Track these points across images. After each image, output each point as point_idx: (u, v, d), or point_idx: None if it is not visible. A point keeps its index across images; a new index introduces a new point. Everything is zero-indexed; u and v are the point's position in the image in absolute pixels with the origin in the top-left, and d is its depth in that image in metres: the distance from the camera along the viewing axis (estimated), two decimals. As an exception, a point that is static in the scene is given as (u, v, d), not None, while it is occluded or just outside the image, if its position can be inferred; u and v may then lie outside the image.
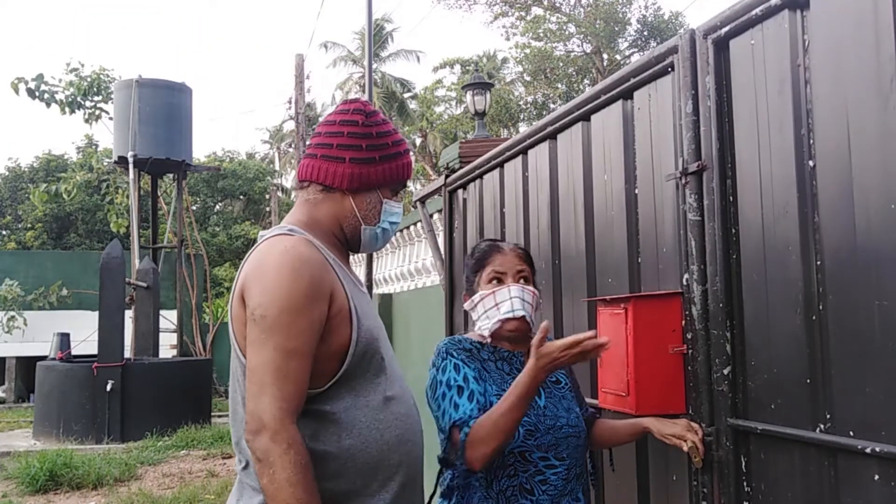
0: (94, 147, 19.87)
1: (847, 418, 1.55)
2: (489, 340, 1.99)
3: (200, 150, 30.64)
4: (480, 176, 3.68)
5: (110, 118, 12.68)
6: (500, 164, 3.41)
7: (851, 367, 1.54)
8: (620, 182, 2.40)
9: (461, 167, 4.15)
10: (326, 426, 1.61)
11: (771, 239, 1.77)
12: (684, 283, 2.03)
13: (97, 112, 13.42)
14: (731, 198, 1.91)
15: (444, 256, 4.31)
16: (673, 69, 2.10)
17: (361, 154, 1.74)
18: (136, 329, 11.15)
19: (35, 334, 14.17)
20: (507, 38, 30.66)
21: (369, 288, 6.72)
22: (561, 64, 26.01)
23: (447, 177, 4.23)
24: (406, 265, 6.35)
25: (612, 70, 22.40)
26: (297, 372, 1.54)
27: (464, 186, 3.97)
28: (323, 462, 1.59)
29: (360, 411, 1.63)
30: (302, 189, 1.80)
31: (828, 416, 1.61)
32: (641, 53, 21.92)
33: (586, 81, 25.94)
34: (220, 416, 11.00)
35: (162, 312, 11.85)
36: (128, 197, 12.90)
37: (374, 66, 23.18)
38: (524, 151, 3.15)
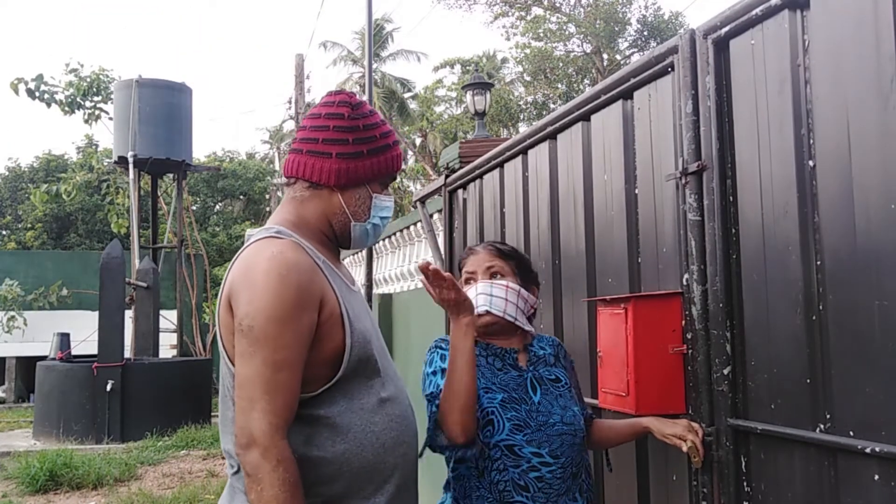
0: (94, 147, 19.87)
1: (847, 418, 1.55)
2: (479, 338, 1.98)
3: (200, 150, 30.65)
4: (480, 176, 3.68)
5: (110, 118, 12.69)
6: (500, 164, 3.41)
7: (851, 367, 1.54)
8: (620, 182, 2.40)
9: (461, 167, 4.15)
10: (320, 431, 1.58)
11: (771, 239, 1.77)
12: (684, 283, 2.03)
13: (97, 112, 13.43)
14: (731, 198, 1.91)
15: (444, 256, 4.31)
16: (673, 69, 2.10)
17: (348, 148, 1.68)
18: (136, 329, 11.15)
19: (35, 334, 14.17)
20: (507, 38, 30.69)
21: (369, 288, 6.71)
22: (561, 64, 26.01)
23: (447, 177, 4.23)
24: (406, 265, 6.35)
25: (612, 70, 22.40)
26: (286, 384, 1.50)
27: (464, 186, 3.97)
28: (317, 467, 1.56)
29: (355, 415, 1.60)
30: (289, 186, 1.74)
31: (828, 416, 1.61)
32: (641, 53, 21.93)
33: (586, 81, 25.94)
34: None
35: (162, 312, 11.85)
36: (128, 197, 12.90)
37: (375, 65, 23.17)
38: (524, 151, 3.15)
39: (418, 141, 29.42)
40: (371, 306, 6.41)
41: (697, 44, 2.00)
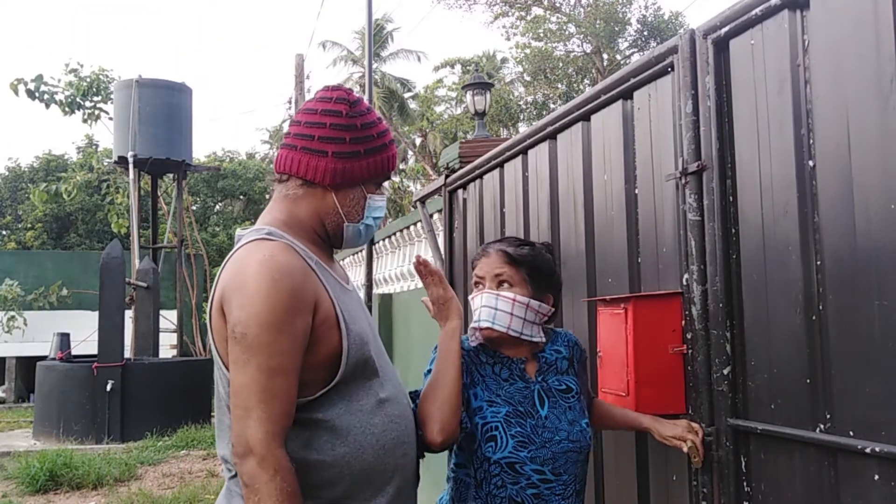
0: (94, 147, 19.88)
1: (847, 418, 1.55)
2: (486, 344, 1.94)
3: (200, 150, 30.65)
4: (480, 176, 3.68)
5: (110, 118, 12.69)
6: (500, 164, 3.41)
7: (851, 367, 1.54)
8: (620, 182, 2.40)
9: (461, 167, 4.15)
10: (319, 434, 1.55)
11: (771, 239, 1.77)
12: (684, 283, 2.03)
13: (97, 112, 13.43)
14: (731, 198, 1.91)
15: (444, 256, 4.31)
16: (673, 69, 2.10)
17: (345, 148, 1.63)
18: (136, 329, 11.15)
19: (35, 334, 14.18)
20: (508, 39, 30.71)
21: (369, 288, 6.70)
22: (561, 64, 26.01)
23: (447, 177, 4.23)
24: (406, 265, 6.35)
25: (612, 70, 22.40)
26: (282, 390, 1.47)
27: (464, 186, 3.97)
28: (317, 471, 1.54)
29: (354, 417, 1.58)
30: (280, 182, 1.69)
31: (828, 416, 1.61)
32: (641, 53, 21.92)
33: (586, 81, 25.94)
34: (220, 416, 10.98)
35: (162, 312, 11.85)
36: (128, 197, 12.90)
37: (375, 65, 23.17)
38: (524, 151, 3.15)
39: (418, 141, 29.42)
40: (371, 306, 6.42)
41: (697, 44, 2.00)
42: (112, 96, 12.59)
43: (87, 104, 13.34)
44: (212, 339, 1.60)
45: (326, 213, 1.67)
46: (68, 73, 13.31)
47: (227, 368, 1.55)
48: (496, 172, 3.48)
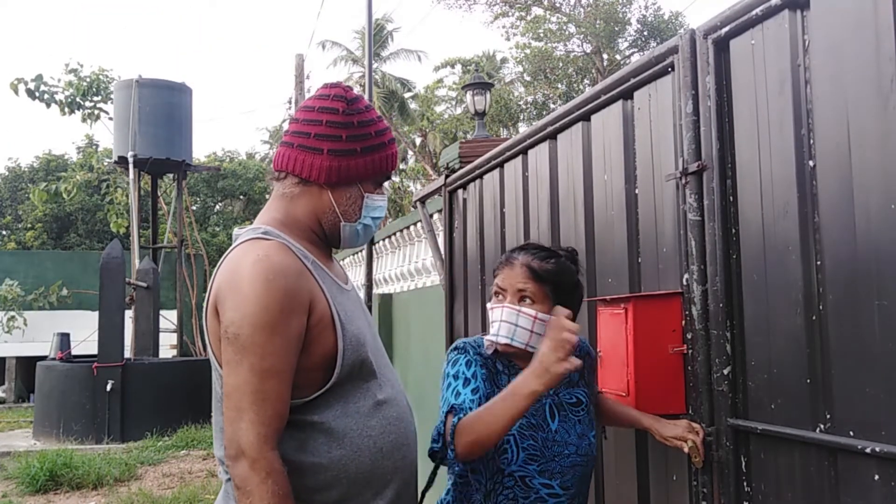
0: (94, 147, 19.88)
1: (847, 418, 1.55)
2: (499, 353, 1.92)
3: (200, 150, 30.65)
4: (480, 176, 3.68)
5: (110, 118, 12.70)
6: (500, 164, 3.41)
7: (851, 367, 1.54)
8: (620, 182, 2.40)
9: (461, 167, 4.15)
10: (315, 437, 1.54)
11: (771, 239, 1.77)
12: (684, 283, 2.03)
13: (96, 112, 13.43)
14: (731, 198, 1.91)
15: (444, 256, 4.31)
16: (673, 69, 2.10)
17: (341, 145, 1.61)
18: (136, 329, 11.15)
19: (35, 334, 14.18)
20: (507, 39, 30.69)
21: (369, 288, 6.70)
22: (561, 64, 26.01)
23: (447, 177, 4.23)
24: (406, 265, 6.35)
25: (612, 70, 22.40)
26: (275, 392, 1.46)
27: (464, 186, 3.97)
28: (313, 474, 1.52)
29: (351, 419, 1.56)
30: (278, 181, 1.67)
31: (828, 416, 1.61)
32: (641, 53, 21.92)
33: (586, 81, 25.94)
34: (220, 416, 10.98)
35: (162, 312, 11.86)
36: (128, 197, 12.91)
37: (375, 65, 23.16)
38: (524, 151, 3.15)
39: (418, 141, 29.42)
40: (371, 306, 6.41)
41: (697, 44, 2.00)
42: (112, 96, 12.60)
43: (87, 104, 13.35)
44: (207, 339, 1.59)
45: (323, 212, 1.65)
46: (68, 73, 13.32)
47: (221, 368, 1.53)
48: (496, 172, 3.48)
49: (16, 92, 12.88)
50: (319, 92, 1.68)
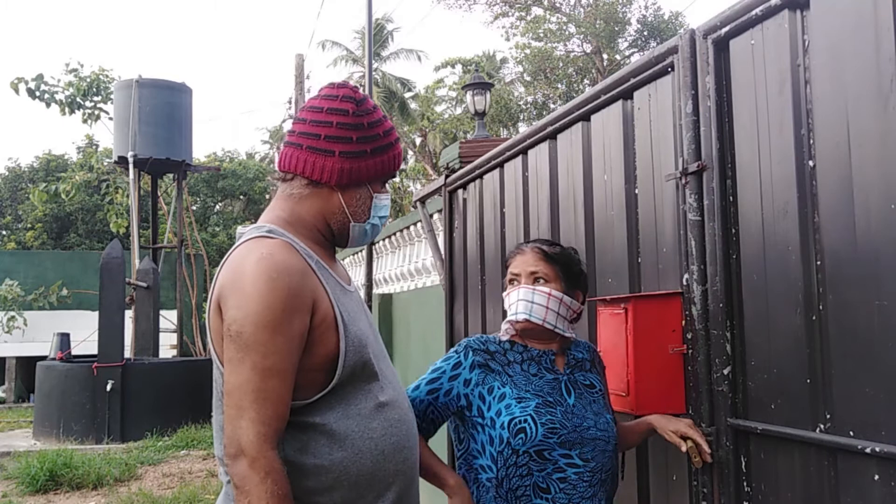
0: (94, 147, 19.88)
1: (847, 418, 1.55)
2: (517, 339, 1.97)
3: (200, 150, 30.68)
4: (480, 176, 3.68)
5: (110, 118, 12.70)
6: (500, 164, 3.41)
7: (851, 367, 1.54)
8: (620, 182, 2.40)
9: (461, 167, 4.15)
10: (317, 438, 1.53)
11: (771, 239, 1.77)
12: (684, 283, 2.03)
13: (97, 112, 13.43)
14: (731, 198, 1.91)
15: (444, 256, 4.31)
16: (673, 69, 2.10)
17: (352, 147, 1.61)
18: (136, 329, 11.16)
19: (35, 334, 14.19)
20: (507, 39, 30.69)
21: (369, 288, 6.70)
22: (561, 64, 26.00)
23: (447, 177, 4.23)
24: (406, 265, 6.35)
25: (612, 70, 22.41)
26: (276, 392, 1.45)
27: (464, 186, 3.97)
28: (315, 476, 1.51)
29: (352, 421, 1.55)
30: (285, 181, 1.66)
31: (828, 416, 1.61)
32: (641, 53, 21.92)
33: (586, 81, 25.94)
34: (220, 416, 10.98)
35: (162, 312, 11.86)
36: (128, 197, 12.91)
37: (375, 65, 23.18)
38: (524, 151, 3.15)
39: (418, 141, 29.42)
40: (371, 306, 6.42)
41: (697, 44, 2.00)
42: (112, 96, 12.60)
43: (87, 104, 13.35)
44: (210, 337, 1.58)
45: (332, 213, 1.65)
46: (68, 73, 13.33)
47: (223, 366, 1.53)
48: (496, 172, 3.48)
49: (16, 91, 12.89)
50: (326, 92, 1.67)
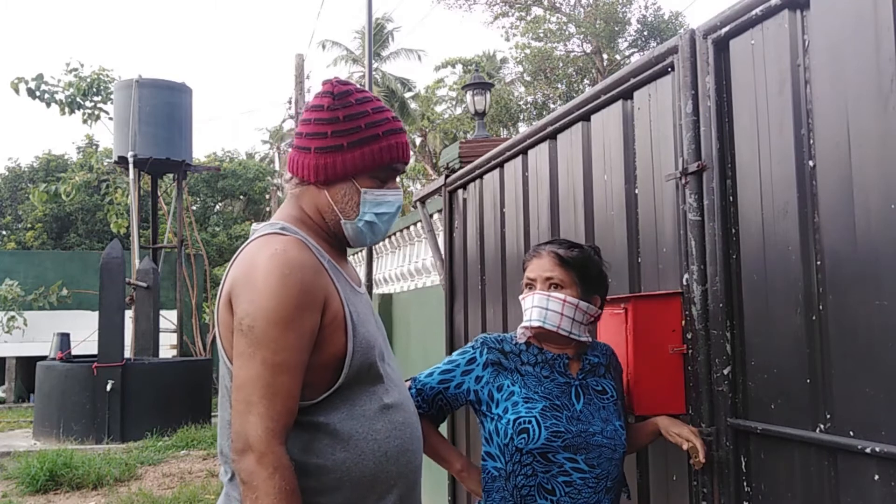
0: (94, 147, 19.87)
1: (847, 418, 1.55)
2: (533, 341, 1.97)
3: (200, 150, 30.68)
4: (480, 176, 3.68)
5: (110, 118, 12.69)
6: (500, 164, 3.41)
7: (851, 367, 1.54)
8: (620, 182, 2.40)
9: (461, 167, 4.15)
10: (320, 438, 1.53)
11: (771, 239, 1.77)
12: (684, 283, 2.03)
13: (97, 112, 13.43)
14: (731, 198, 1.91)
15: (444, 256, 4.31)
16: (673, 69, 2.10)
17: (325, 142, 1.58)
18: (136, 329, 11.15)
19: (35, 334, 14.17)
20: (507, 39, 30.67)
21: (369, 288, 6.70)
22: (561, 64, 25.99)
23: (447, 177, 4.23)
24: (406, 265, 6.35)
25: (612, 70, 22.40)
26: (286, 388, 1.44)
27: (464, 186, 3.97)
28: (317, 476, 1.51)
29: (356, 422, 1.55)
30: (287, 182, 1.68)
31: (828, 416, 1.61)
32: (641, 53, 21.92)
33: (586, 81, 25.93)
34: (220, 416, 10.98)
35: (162, 312, 11.86)
36: (128, 197, 12.91)
37: (375, 65, 23.15)
38: (524, 151, 3.15)
39: (418, 141, 29.41)
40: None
41: (697, 44, 2.00)
42: (112, 96, 12.59)
43: (87, 104, 13.34)
44: (218, 332, 1.58)
45: (325, 211, 1.63)
46: (68, 73, 13.31)
47: (231, 362, 1.53)
48: (496, 172, 3.48)
49: (16, 91, 12.88)
50: (318, 90, 1.68)
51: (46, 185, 14.89)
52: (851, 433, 1.54)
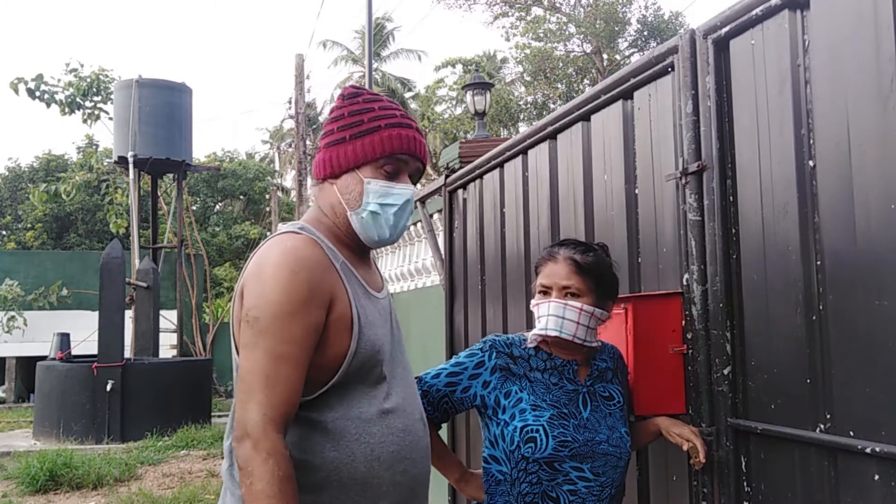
0: (94, 147, 19.86)
1: (847, 418, 1.55)
2: (543, 346, 1.95)
3: (200, 150, 30.70)
4: (480, 176, 3.68)
5: (110, 118, 12.70)
6: (500, 164, 3.41)
7: (851, 367, 1.54)
8: (620, 182, 2.40)
9: (461, 167, 4.15)
10: (312, 435, 1.54)
11: (771, 239, 1.77)
12: (684, 283, 2.03)
13: (97, 112, 13.42)
14: (731, 198, 1.91)
15: (444, 256, 4.31)
16: (673, 69, 2.10)
17: (332, 137, 1.66)
18: (136, 329, 11.16)
19: (35, 334, 14.17)
20: (507, 39, 30.66)
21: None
22: (561, 64, 25.99)
23: (447, 177, 4.23)
24: (406, 265, 6.35)
25: (612, 70, 22.40)
26: (286, 378, 1.47)
27: (464, 186, 3.97)
28: (305, 472, 1.52)
29: (350, 423, 1.55)
30: (312, 187, 1.77)
31: (828, 416, 1.61)
32: (641, 53, 21.92)
33: (586, 81, 25.93)
34: (220, 416, 11.00)
35: (162, 312, 11.86)
36: (128, 197, 12.91)
37: (375, 65, 23.17)
38: (524, 151, 3.15)
39: (418, 141, 29.37)
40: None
41: (697, 44, 2.00)
42: (112, 96, 12.59)
43: (87, 104, 13.34)
44: (232, 325, 1.62)
45: (336, 206, 1.66)
46: (68, 73, 13.31)
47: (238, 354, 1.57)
48: (496, 172, 3.48)
49: (16, 92, 12.88)
50: None
51: (46, 185, 14.88)
52: (851, 433, 1.54)
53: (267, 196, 24.98)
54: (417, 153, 1.68)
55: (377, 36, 26.71)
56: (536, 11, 26.52)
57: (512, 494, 1.84)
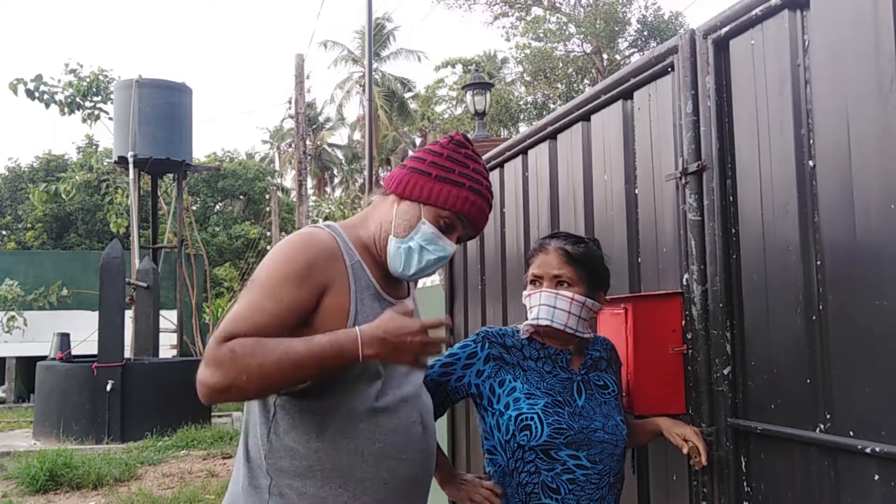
0: (94, 147, 19.86)
1: (847, 418, 1.56)
2: (536, 337, 1.96)
3: (200, 150, 30.68)
4: (480, 176, 3.67)
5: (110, 118, 12.68)
6: (500, 164, 3.41)
7: (851, 367, 1.54)
8: (620, 182, 2.40)
9: (461, 167, 4.14)
10: (300, 424, 1.60)
11: (771, 239, 1.77)
12: (684, 283, 2.03)
13: (96, 112, 13.42)
14: (731, 198, 1.91)
15: (444, 256, 4.30)
16: (673, 69, 2.10)
17: (420, 165, 1.72)
18: (136, 329, 11.15)
19: (35, 334, 14.17)
20: (508, 39, 30.66)
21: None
22: (561, 64, 26.00)
23: (447, 177, 4.23)
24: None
25: (612, 70, 22.40)
26: (256, 324, 1.50)
27: (464, 186, 3.96)
28: (292, 458, 1.58)
29: (338, 417, 1.60)
30: (376, 193, 1.82)
31: (828, 416, 1.61)
32: (641, 53, 21.92)
33: (586, 81, 25.93)
34: (220, 416, 11.01)
35: (162, 312, 11.85)
36: (128, 197, 12.90)
37: (375, 65, 23.18)
38: (524, 151, 3.15)
39: (418, 141, 29.42)
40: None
41: (697, 44, 2.00)
42: (112, 96, 12.58)
43: (87, 104, 13.32)
44: None
45: (384, 222, 1.72)
46: (68, 74, 13.30)
47: None
48: (496, 172, 3.48)
49: (15, 92, 12.86)
50: None
51: (46, 185, 14.88)
52: (851, 433, 1.54)
53: (267, 196, 24.98)
54: (478, 225, 1.76)
55: (377, 36, 26.72)
56: (536, 11, 26.52)
57: (511, 486, 1.85)
